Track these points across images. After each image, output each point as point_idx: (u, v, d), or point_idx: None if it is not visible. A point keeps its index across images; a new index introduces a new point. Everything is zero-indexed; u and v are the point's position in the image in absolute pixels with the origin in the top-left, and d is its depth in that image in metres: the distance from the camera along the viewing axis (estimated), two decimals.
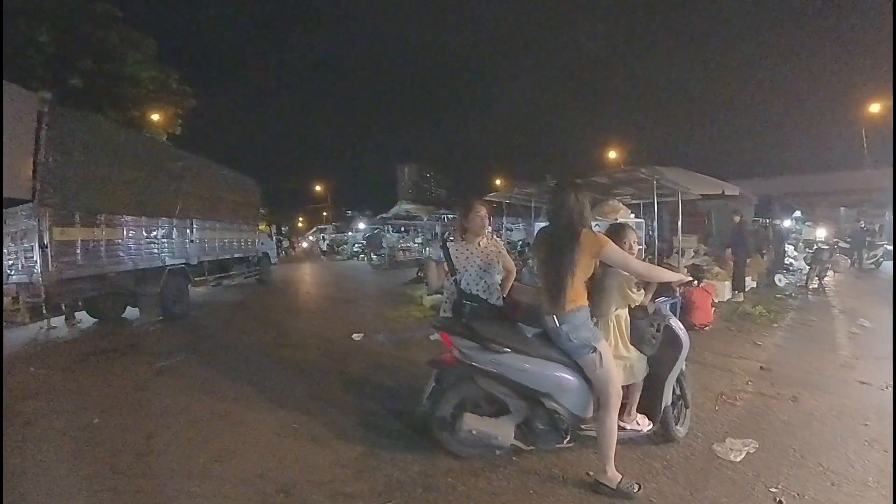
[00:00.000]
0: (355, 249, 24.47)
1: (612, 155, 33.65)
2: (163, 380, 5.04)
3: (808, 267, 11.54)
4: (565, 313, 2.71)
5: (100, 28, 15.67)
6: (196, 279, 9.83)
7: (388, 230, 24.22)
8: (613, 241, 2.78)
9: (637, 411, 3.21)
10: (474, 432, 2.92)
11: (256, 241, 13.46)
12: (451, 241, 3.68)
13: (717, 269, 9.52)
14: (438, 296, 8.52)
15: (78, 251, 6.74)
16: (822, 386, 4.71)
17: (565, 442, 3.02)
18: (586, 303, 2.79)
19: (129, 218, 7.74)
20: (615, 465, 2.81)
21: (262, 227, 15.09)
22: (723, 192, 9.28)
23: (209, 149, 19.32)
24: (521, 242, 15.87)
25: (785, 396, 4.40)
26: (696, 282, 3.13)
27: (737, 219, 10.29)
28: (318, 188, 59.29)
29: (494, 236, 4.40)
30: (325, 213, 52.98)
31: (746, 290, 9.75)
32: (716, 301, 7.68)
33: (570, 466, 3.10)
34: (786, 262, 12.70)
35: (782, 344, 6.34)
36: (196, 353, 6.03)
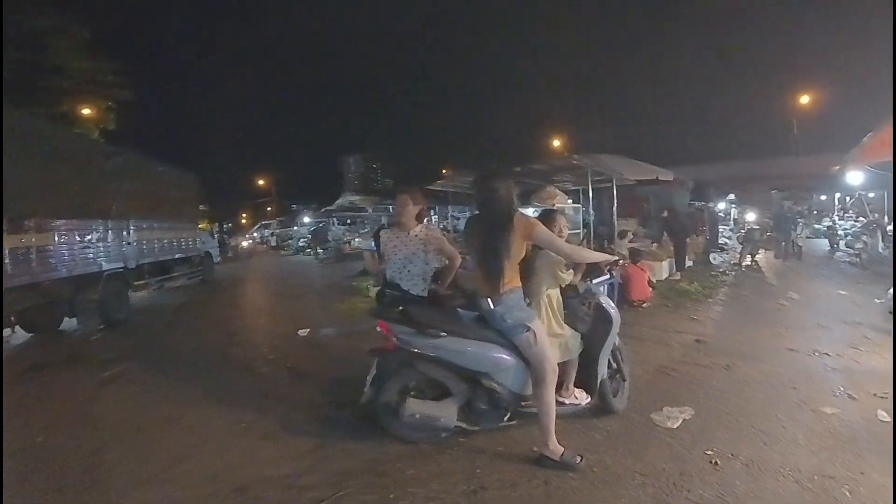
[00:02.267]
0: (301, 244, 23.85)
1: (556, 143, 34.38)
2: (108, 390, 4.83)
3: (741, 246, 12.22)
4: (499, 295, 2.82)
5: (23, 14, 14.18)
6: (136, 283, 9.42)
7: (333, 223, 23.79)
8: (544, 226, 2.93)
9: (574, 386, 3.36)
10: (418, 416, 3.01)
11: (198, 240, 12.97)
12: (385, 230, 3.78)
13: (654, 249, 9.94)
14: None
15: (6, 260, 6.31)
16: (753, 355, 5.05)
17: (508, 420, 3.14)
18: (519, 284, 2.90)
19: (60, 222, 7.25)
20: (557, 439, 2.93)
21: (202, 225, 14.49)
22: (657, 177, 9.68)
23: (146, 144, 18.17)
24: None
25: (719, 366, 4.69)
26: (621, 261, 3.30)
27: (665, 213, 11.11)
28: (261, 182, 56.85)
29: (430, 225, 4.48)
30: (269, 208, 50.86)
31: (684, 268, 10.26)
32: (654, 280, 8.05)
33: (514, 443, 3.22)
34: (720, 241, 13.41)
35: (716, 318, 6.73)
36: (141, 360, 5.80)
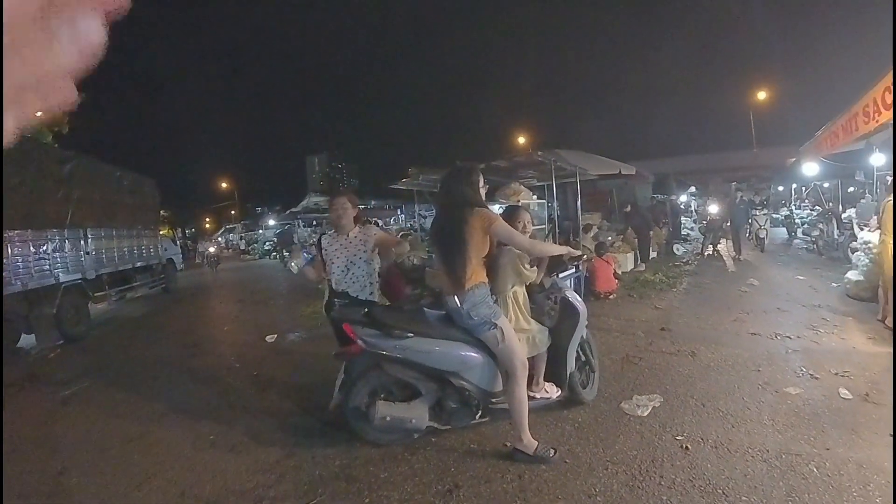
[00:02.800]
0: (266, 247, 23.21)
1: (521, 140, 34.69)
2: (70, 409, 4.60)
3: (703, 236, 12.54)
4: (465, 292, 2.80)
5: None
6: (95, 295, 8.98)
7: (298, 225, 23.29)
8: (507, 222, 2.95)
9: (544, 380, 3.38)
10: (388, 418, 2.96)
11: (159, 246, 12.51)
12: (325, 235, 3.68)
13: (619, 242, 10.12)
14: None
15: None
16: (717, 340, 5.18)
17: (479, 417, 3.13)
18: (485, 280, 2.88)
19: (13, 233, 6.86)
20: (530, 433, 2.94)
21: (164, 231, 13.97)
22: (619, 171, 9.87)
23: (102, 148, 17.53)
24: None
25: (684, 353, 4.79)
26: (585, 256, 3.32)
27: (628, 208, 11.46)
28: (223, 185, 54.50)
29: (367, 225, 4.47)
30: (232, 212, 49.26)
31: (648, 259, 10.49)
32: (619, 271, 8.19)
33: (486, 440, 3.22)
34: (682, 232, 13.74)
35: (680, 306, 6.87)
36: (103, 376, 5.57)
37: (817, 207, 14.64)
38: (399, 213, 23.90)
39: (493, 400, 3.07)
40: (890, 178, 5.88)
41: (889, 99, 4.73)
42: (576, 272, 3.60)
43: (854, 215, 10.76)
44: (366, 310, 3.05)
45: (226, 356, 6.05)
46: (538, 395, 3.31)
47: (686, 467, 2.82)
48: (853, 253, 7.71)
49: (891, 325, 5.30)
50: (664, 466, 2.83)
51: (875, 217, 7.96)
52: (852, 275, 7.06)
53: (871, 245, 6.74)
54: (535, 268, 3.27)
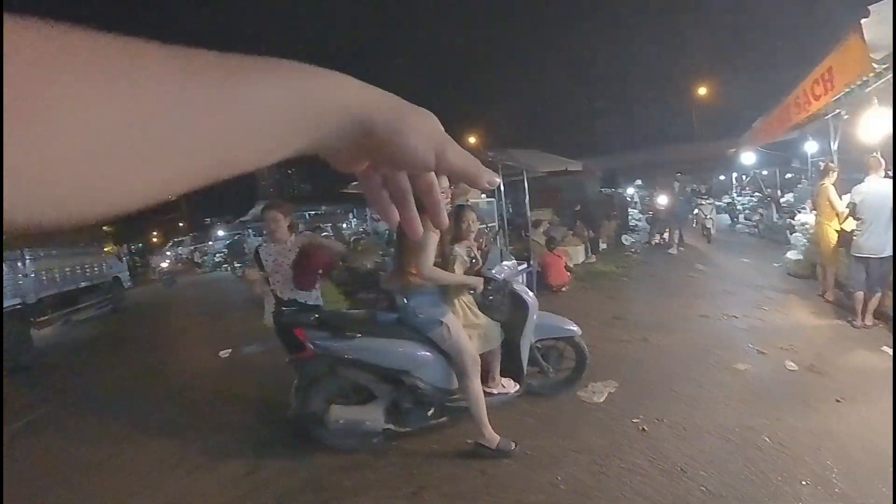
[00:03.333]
0: (217, 259, 21.77)
1: (472, 140, 34.94)
2: (23, 443, 4.27)
3: (650, 227, 12.96)
4: (410, 291, 2.85)
5: None
6: (38, 320, 8.49)
7: (249, 235, 22.07)
8: (453, 223, 2.99)
9: (500, 375, 3.36)
10: (342, 422, 2.96)
11: (104, 264, 11.82)
12: (262, 246, 3.64)
13: (570, 236, 10.30)
14: None
15: None
16: (668, 325, 5.36)
17: (438, 418, 3.13)
18: None
19: None
20: (493, 429, 2.94)
21: (108, 248, 13.12)
22: (566, 168, 10.05)
23: None
24: (387, 232, 15.59)
25: (637, 339, 4.93)
26: (478, 288, 3.07)
27: (577, 207, 11.83)
28: (169, 196, 52.48)
29: (301, 232, 4.47)
30: (181, 224, 46.77)
31: (599, 251, 10.75)
32: (570, 264, 8.32)
33: (448, 439, 3.20)
34: (630, 224, 14.14)
35: (632, 294, 7.05)
36: (56, 404, 5.23)
37: (757, 194, 15.38)
38: (351, 217, 23.29)
39: (450, 398, 3.07)
40: (823, 164, 6.23)
41: (818, 90, 5.02)
42: (526, 266, 3.60)
43: (792, 199, 11.48)
44: (316, 315, 3.06)
45: (182, 374, 5.80)
46: (495, 391, 3.30)
47: (646, 449, 2.91)
48: (791, 234, 8.12)
49: (830, 298, 5.68)
50: (624, 450, 2.91)
51: (809, 200, 8.60)
52: (792, 254, 7.50)
53: (807, 226, 7.12)
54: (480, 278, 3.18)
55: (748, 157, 11.65)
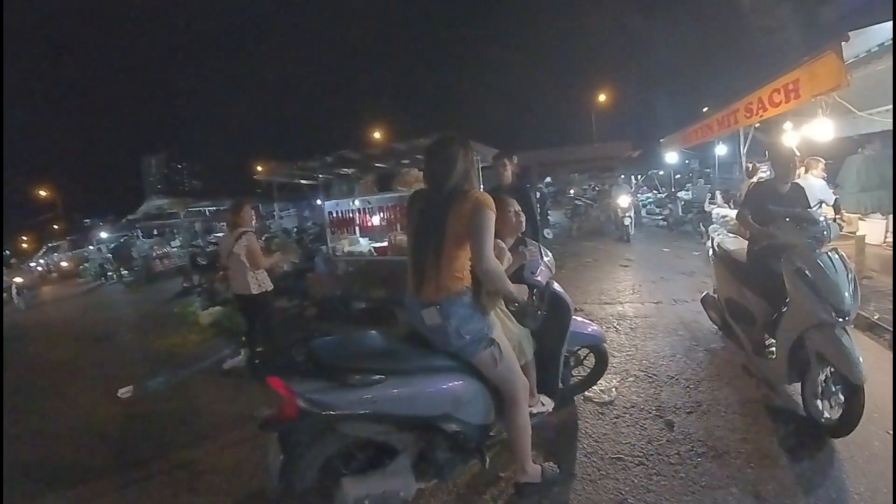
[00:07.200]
0: (101, 267, 17.60)
1: (377, 135, 34.33)
2: None
3: (569, 220, 13.42)
4: (449, 300, 2.06)
5: None
6: None
7: (138, 236, 19.62)
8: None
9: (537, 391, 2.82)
10: (367, 502, 2.03)
11: None
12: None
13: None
14: (218, 308, 7.14)
15: None
16: (627, 312, 5.36)
17: (475, 461, 2.33)
18: (469, 284, 2.14)
19: None
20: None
21: None
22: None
23: None
24: (295, 230, 14.59)
25: (608, 327, 4.83)
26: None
27: (518, 206, 11.59)
28: (42, 193, 43.92)
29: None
30: (55, 226, 40.16)
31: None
32: None
33: (477, 479, 2.56)
34: (549, 218, 14.55)
35: (579, 284, 6.98)
36: None
37: (654, 192, 16.68)
38: (254, 213, 21.19)
39: (490, 434, 2.37)
40: (750, 165, 6.79)
41: (777, 98, 5.34)
42: (538, 260, 2.91)
43: (689, 196, 12.77)
44: (301, 343, 2.10)
45: (63, 430, 3.93)
46: (535, 411, 2.68)
47: (681, 440, 2.76)
48: (709, 227, 8.67)
49: None
50: (663, 445, 2.73)
51: (718, 193, 9.59)
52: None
53: (727, 218, 7.61)
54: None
55: (671, 157, 12.61)
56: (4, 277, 14.19)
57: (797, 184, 3.53)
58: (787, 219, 3.11)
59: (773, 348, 3.16)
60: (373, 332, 2.20)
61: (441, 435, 2.14)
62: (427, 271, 2.07)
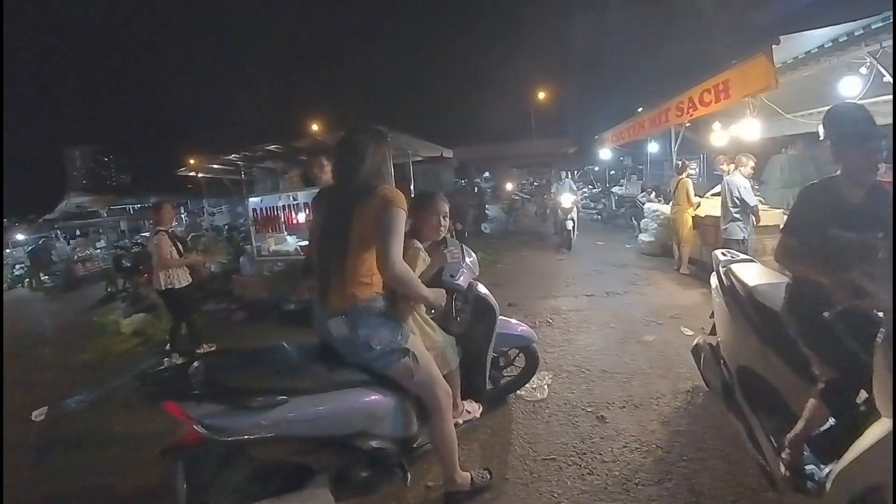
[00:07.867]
0: (17, 272, 15.33)
1: (314, 127, 33.42)
2: None
3: (506, 215, 13.56)
4: (357, 308, 1.88)
5: None
6: None
7: (57, 237, 17.31)
8: (419, 215, 2.36)
9: (461, 398, 2.61)
10: None
11: None
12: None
13: None
14: (141, 315, 6.47)
15: None
16: (561, 306, 5.32)
17: (397, 474, 2.11)
18: (380, 290, 1.95)
19: None
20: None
21: None
22: (441, 154, 9.87)
23: None
24: (226, 227, 13.81)
25: (542, 323, 4.76)
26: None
27: (447, 207, 11.73)
28: None
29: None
30: None
31: (465, 240, 10.86)
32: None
33: (403, 491, 2.32)
34: (486, 212, 14.61)
35: (514, 280, 6.95)
36: None
37: (589, 187, 17.13)
38: (182, 211, 19.65)
39: (412, 446, 2.17)
40: (681, 162, 7.06)
41: (707, 98, 5.49)
42: (461, 262, 2.69)
43: (622, 191, 13.15)
44: (195, 364, 1.81)
45: None
46: (461, 420, 2.55)
47: (614, 436, 2.70)
48: (640, 221, 8.92)
49: (685, 272, 6.43)
50: (597, 442, 2.64)
51: (650, 190, 10.01)
52: (644, 237, 8.31)
53: (659, 213, 7.89)
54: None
55: (605, 153, 12.87)
56: None
57: (880, 185, 1.90)
58: (881, 255, 1.64)
59: (816, 473, 1.80)
60: (283, 344, 1.97)
61: (360, 453, 1.95)
62: (333, 277, 1.89)
